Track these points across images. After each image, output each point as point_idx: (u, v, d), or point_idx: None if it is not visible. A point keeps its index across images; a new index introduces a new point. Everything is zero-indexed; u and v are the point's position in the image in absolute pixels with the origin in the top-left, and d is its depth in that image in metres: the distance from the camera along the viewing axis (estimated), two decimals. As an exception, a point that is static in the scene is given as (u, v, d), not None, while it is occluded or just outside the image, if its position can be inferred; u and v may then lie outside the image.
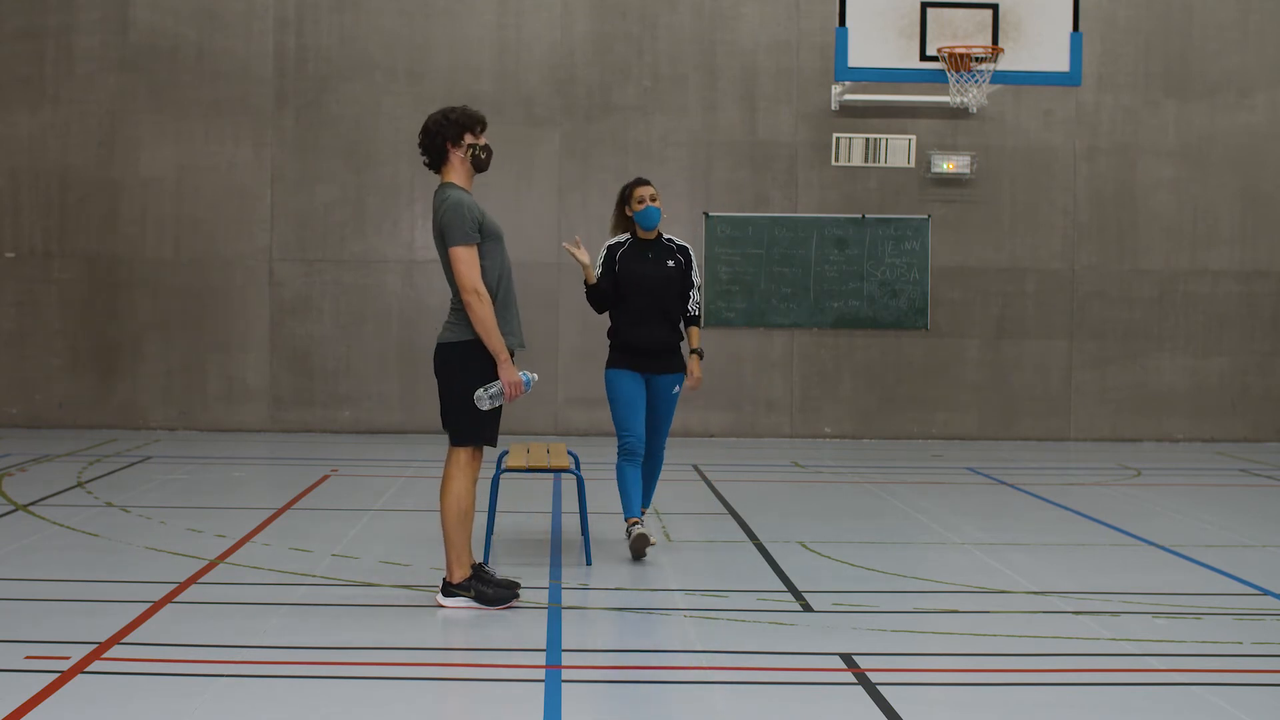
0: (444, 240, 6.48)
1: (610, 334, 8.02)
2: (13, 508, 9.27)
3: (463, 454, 6.59)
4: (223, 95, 14.42)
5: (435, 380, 6.70)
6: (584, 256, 7.73)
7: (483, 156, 6.63)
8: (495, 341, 6.45)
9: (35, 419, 14.39)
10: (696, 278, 8.08)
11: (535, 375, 6.70)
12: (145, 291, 14.43)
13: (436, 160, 6.67)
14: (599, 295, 7.92)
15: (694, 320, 8.10)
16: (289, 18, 14.46)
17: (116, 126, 14.40)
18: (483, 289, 6.42)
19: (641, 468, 7.98)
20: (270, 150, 14.45)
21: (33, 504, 9.41)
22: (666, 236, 8.09)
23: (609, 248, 8.01)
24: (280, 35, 14.47)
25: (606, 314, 8.09)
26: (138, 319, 14.43)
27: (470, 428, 6.56)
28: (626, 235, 8.02)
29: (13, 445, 12.81)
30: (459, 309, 6.55)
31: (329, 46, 14.49)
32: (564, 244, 7.99)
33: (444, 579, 6.70)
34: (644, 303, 7.91)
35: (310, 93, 14.47)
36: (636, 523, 7.85)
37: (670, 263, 7.99)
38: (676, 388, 7.98)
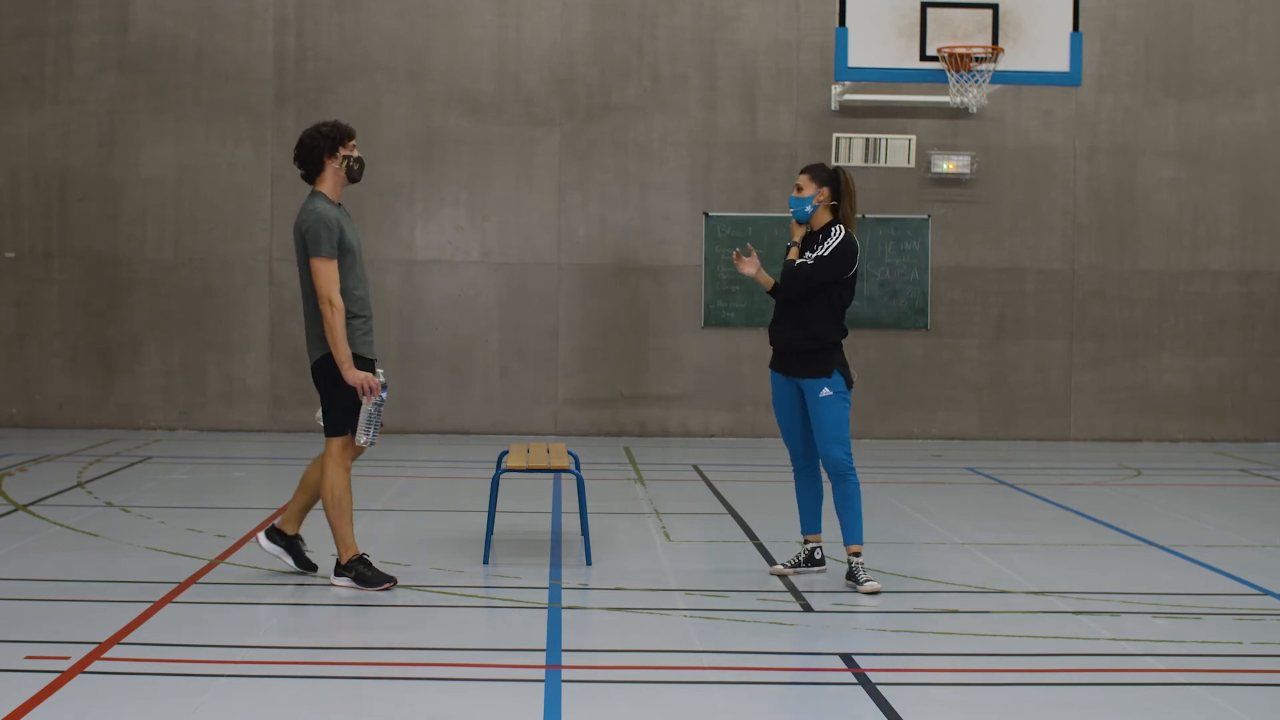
0: (305, 250, 6.88)
1: None
2: (13, 508, 9.26)
3: (334, 444, 6.97)
4: (223, 95, 14.42)
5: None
6: (749, 269, 7.38)
7: (355, 168, 7.04)
8: (343, 349, 6.82)
9: (35, 419, 14.38)
10: (828, 259, 7.16)
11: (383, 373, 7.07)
12: (145, 291, 14.43)
13: (312, 171, 7.10)
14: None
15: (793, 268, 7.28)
16: (289, 18, 14.46)
17: (116, 126, 14.39)
18: (337, 300, 6.81)
19: (807, 480, 7.57)
20: (270, 150, 14.44)
21: (33, 504, 9.41)
22: (838, 227, 7.27)
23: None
24: (280, 35, 14.47)
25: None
26: (138, 319, 14.43)
27: (341, 420, 6.93)
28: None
29: (13, 445, 12.81)
30: (317, 317, 6.90)
31: (329, 46, 14.49)
32: (738, 257, 7.46)
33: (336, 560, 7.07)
34: (779, 298, 7.40)
35: (310, 93, 14.46)
36: (807, 541, 7.57)
37: (809, 254, 7.27)
38: (825, 390, 7.16)
